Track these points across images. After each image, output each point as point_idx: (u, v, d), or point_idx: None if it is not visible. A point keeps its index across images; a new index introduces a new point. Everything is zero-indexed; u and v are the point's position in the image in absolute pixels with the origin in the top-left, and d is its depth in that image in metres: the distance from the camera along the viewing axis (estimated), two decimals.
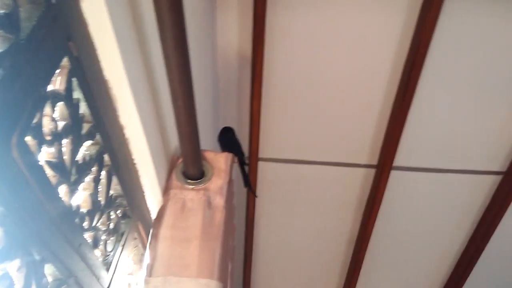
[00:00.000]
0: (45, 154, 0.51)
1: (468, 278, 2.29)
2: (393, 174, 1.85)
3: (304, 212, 2.12)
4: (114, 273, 0.74)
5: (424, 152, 1.83)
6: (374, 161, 1.87)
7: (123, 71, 0.60)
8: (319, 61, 1.58)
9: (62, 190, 0.54)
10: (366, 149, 1.85)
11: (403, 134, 1.69)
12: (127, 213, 0.79)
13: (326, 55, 1.56)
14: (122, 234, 0.78)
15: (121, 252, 0.77)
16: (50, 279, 0.54)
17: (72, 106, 0.55)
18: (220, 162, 0.91)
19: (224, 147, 1.19)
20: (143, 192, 0.84)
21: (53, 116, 0.50)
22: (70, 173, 0.55)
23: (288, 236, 2.26)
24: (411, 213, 2.07)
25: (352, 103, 1.70)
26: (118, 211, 0.75)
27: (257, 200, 2.04)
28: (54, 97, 0.50)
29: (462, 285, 2.33)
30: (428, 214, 2.07)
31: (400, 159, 1.82)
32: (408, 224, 2.12)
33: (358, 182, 1.97)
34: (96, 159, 0.63)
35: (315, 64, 1.59)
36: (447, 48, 1.50)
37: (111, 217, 0.72)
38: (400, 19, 1.45)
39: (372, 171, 1.91)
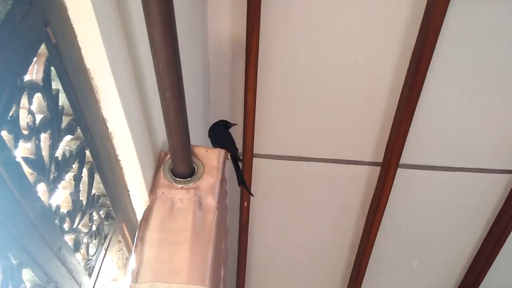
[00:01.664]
0: (21, 150, 0.52)
1: (480, 286, 2.32)
2: (400, 172, 1.86)
3: (303, 213, 2.14)
4: (96, 278, 0.75)
5: (432, 149, 1.84)
6: (380, 159, 1.89)
7: (106, 59, 0.61)
8: (319, 50, 1.59)
9: (41, 188, 0.55)
10: (371, 145, 1.87)
11: (410, 130, 1.71)
12: (110, 214, 0.80)
13: (328, 44, 1.57)
14: (106, 237, 0.79)
15: (104, 256, 0.78)
16: (28, 285, 0.55)
17: (51, 97, 0.55)
18: (211, 158, 0.91)
19: (216, 143, 1.20)
20: (128, 191, 0.85)
21: (30, 109, 0.51)
22: (49, 170, 0.56)
23: (285, 240, 2.27)
24: (419, 214, 2.09)
25: (355, 95, 1.71)
26: (101, 212, 0.76)
27: (252, 201, 2.05)
28: (31, 88, 0.50)
29: None
30: (437, 215, 2.09)
31: (407, 156, 1.83)
32: (415, 227, 2.15)
33: (362, 181, 1.99)
34: (77, 155, 0.63)
35: (315, 53, 1.60)
36: (458, 37, 1.51)
37: (94, 218, 0.73)
38: (407, 5, 1.46)
39: (377, 169, 1.92)
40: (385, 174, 1.85)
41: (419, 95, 1.60)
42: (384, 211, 1.97)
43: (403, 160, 1.83)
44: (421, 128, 1.76)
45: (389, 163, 1.81)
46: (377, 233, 2.06)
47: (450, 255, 2.29)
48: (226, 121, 1.33)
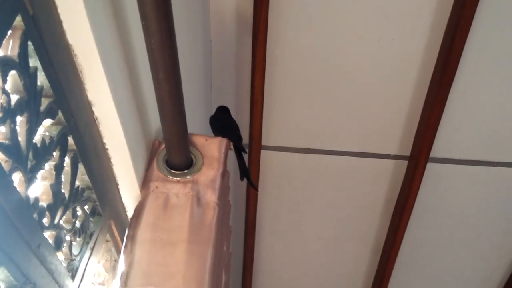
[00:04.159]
0: None
1: None
2: (430, 167, 1.85)
3: (318, 213, 2.14)
4: (81, 281, 0.75)
5: (466, 141, 1.83)
6: (407, 152, 1.88)
7: (91, 34, 0.61)
8: (338, 26, 1.58)
9: (17, 178, 0.55)
10: (397, 136, 1.86)
11: (441, 119, 1.69)
12: (97, 209, 0.80)
13: (348, 19, 1.56)
14: (91, 235, 0.79)
15: (89, 257, 0.79)
16: (3, 285, 0.56)
17: (28, 76, 0.55)
18: (212, 148, 0.92)
19: (218, 131, 1.20)
20: (117, 184, 0.86)
21: (5, 88, 0.51)
22: (26, 158, 0.56)
23: (297, 242, 2.28)
24: (451, 213, 2.08)
25: (379, 79, 1.70)
26: (86, 207, 0.77)
27: (259, 197, 2.05)
28: (6, 64, 0.51)
29: None
30: (471, 214, 2.08)
31: (437, 149, 1.82)
32: (446, 227, 2.14)
33: (387, 176, 1.98)
34: (58, 143, 0.64)
35: (333, 30, 1.59)
36: (499, 9, 1.49)
37: (77, 213, 0.73)
38: None
39: (404, 164, 1.91)
40: (413, 169, 1.84)
41: (453, 79, 1.58)
42: (411, 210, 1.96)
43: (434, 153, 1.82)
44: (454, 118, 1.74)
45: (418, 157, 1.80)
46: (403, 236, 2.06)
47: (486, 259, 2.27)
48: (228, 108, 1.33)
